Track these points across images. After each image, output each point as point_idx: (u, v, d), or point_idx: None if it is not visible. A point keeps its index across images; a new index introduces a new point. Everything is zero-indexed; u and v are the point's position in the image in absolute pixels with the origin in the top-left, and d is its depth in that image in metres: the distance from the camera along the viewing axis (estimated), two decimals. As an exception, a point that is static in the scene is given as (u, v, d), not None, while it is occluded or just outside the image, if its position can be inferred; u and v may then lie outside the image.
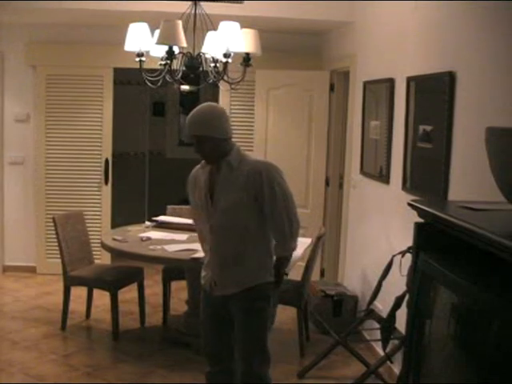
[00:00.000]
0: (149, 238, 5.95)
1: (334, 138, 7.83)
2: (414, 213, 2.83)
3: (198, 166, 4.21)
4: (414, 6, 5.07)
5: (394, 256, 4.65)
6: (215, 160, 4.01)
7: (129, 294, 6.76)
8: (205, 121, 3.93)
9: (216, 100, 8.36)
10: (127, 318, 6.61)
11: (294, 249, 4.14)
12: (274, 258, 4.11)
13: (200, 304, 4.29)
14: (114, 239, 5.92)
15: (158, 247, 5.61)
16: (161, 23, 5.14)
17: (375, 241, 5.98)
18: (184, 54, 5.47)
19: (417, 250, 2.81)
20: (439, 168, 4.51)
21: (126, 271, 6.51)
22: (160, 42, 5.17)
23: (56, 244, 6.40)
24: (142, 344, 6.15)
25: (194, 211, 4.38)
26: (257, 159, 4.12)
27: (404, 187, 5.27)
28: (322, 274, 7.94)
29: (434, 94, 4.70)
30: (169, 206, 7.16)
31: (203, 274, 4.22)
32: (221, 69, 5.53)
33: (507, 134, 2.36)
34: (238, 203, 3.96)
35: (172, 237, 6.03)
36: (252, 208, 3.97)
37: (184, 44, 5.19)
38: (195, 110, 4.01)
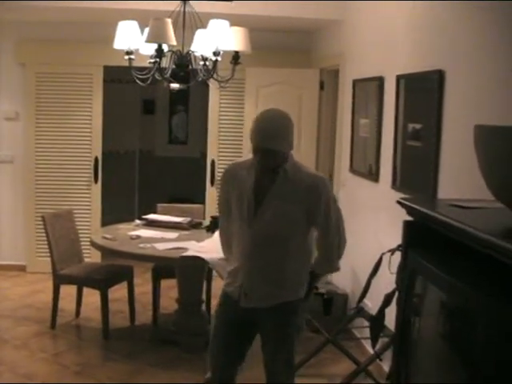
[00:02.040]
0: (138, 237, 5.94)
1: (324, 136, 7.85)
2: (404, 211, 2.84)
3: (238, 162, 4.03)
4: (412, 6, 5.07)
5: (383, 254, 4.66)
6: (275, 169, 3.78)
7: (119, 292, 6.75)
8: (279, 134, 3.65)
9: (206, 98, 8.36)
10: (117, 317, 6.61)
11: (338, 269, 4.05)
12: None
13: (218, 308, 4.05)
14: (104, 237, 5.91)
15: (148, 245, 5.61)
16: (150, 21, 5.13)
17: (365, 239, 5.98)
18: (173, 52, 5.47)
19: (406, 247, 2.82)
20: (428, 166, 4.52)
21: (115, 270, 6.51)
22: (149, 40, 5.16)
23: (46, 242, 6.38)
24: (132, 342, 6.15)
25: (223, 209, 4.07)
26: (312, 172, 3.89)
27: (393, 185, 5.28)
28: (312, 271, 7.93)
29: (424, 93, 4.71)
30: (159, 205, 7.15)
31: (228, 280, 3.96)
32: (210, 67, 5.52)
33: (495, 132, 2.37)
34: (287, 215, 3.76)
35: (162, 235, 6.02)
36: (300, 222, 3.79)
37: (173, 42, 5.18)
38: (266, 119, 3.71)
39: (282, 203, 3.75)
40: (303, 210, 3.76)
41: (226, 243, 4.11)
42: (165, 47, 5.27)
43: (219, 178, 7.95)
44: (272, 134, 3.63)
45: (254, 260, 3.83)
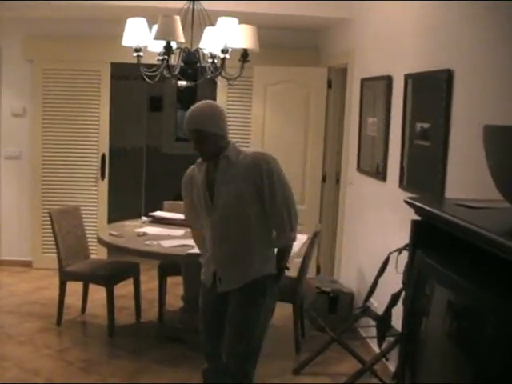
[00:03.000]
0: (145, 234, 5.94)
1: (331, 134, 7.84)
2: (411, 210, 2.83)
3: (193, 167, 4.21)
4: (421, 5, 5.05)
5: (390, 253, 4.65)
6: (213, 156, 4.00)
7: (124, 289, 6.75)
8: (204, 116, 3.92)
9: (213, 96, 8.35)
10: (123, 314, 6.61)
11: (293, 239, 4.13)
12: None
13: (199, 300, 4.26)
14: (111, 234, 5.91)
15: (154, 242, 5.61)
16: (159, 18, 5.13)
17: (371, 238, 5.98)
18: (182, 49, 5.46)
19: (413, 247, 2.81)
20: (436, 166, 4.51)
21: (121, 266, 6.51)
22: (158, 37, 5.16)
23: (52, 238, 6.39)
24: (138, 339, 6.15)
25: (187, 210, 4.33)
26: (254, 151, 4.13)
27: (401, 185, 5.27)
28: (318, 270, 7.94)
29: (432, 92, 4.70)
30: (165, 202, 7.16)
31: (203, 270, 4.21)
32: (218, 64, 5.52)
33: (505, 131, 2.36)
34: (238, 196, 3.94)
35: (168, 232, 6.03)
36: (253, 200, 3.95)
37: (182, 39, 5.17)
38: (194, 106, 4.01)
39: (230, 186, 3.96)
40: (251, 188, 3.94)
41: (196, 240, 4.41)
42: (173, 44, 5.26)
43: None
44: (196, 117, 3.94)
45: (220, 245, 4.05)
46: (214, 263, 4.10)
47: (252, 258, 4.02)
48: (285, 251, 4.15)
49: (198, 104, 4.04)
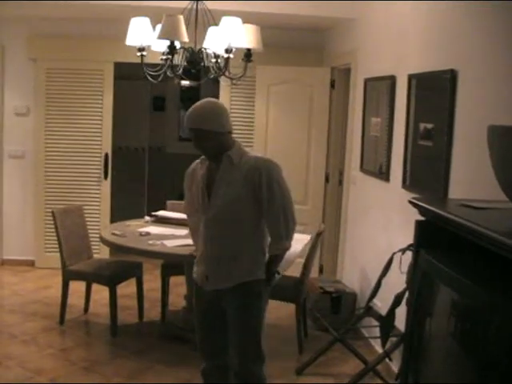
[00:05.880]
0: (148, 233, 5.94)
1: (334, 134, 7.84)
2: (414, 210, 2.83)
3: (198, 161, 4.20)
4: (425, 5, 5.04)
5: (394, 253, 4.64)
6: (215, 155, 3.99)
7: (127, 288, 6.75)
8: (203, 115, 3.90)
9: (217, 95, 8.34)
10: (125, 313, 6.61)
11: (287, 248, 4.11)
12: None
13: (194, 299, 4.27)
14: (113, 234, 5.91)
15: (158, 242, 5.61)
16: (163, 18, 5.13)
17: (375, 238, 5.97)
18: (185, 49, 5.46)
19: (417, 247, 2.80)
20: (440, 166, 4.51)
21: (124, 266, 6.51)
22: (161, 36, 5.16)
23: (55, 238, 6.39)
24: (140, 339, 6.14)
25: (187, 206, 4.35)
26: (257, 156, 4.06)
27: (404, 185, 5.27)
28: (321, 270, 7.94)
29: (436, 92, 4.70)
30: (168, 201, 7.15)
31: (195, 268, 4.20)
32: (222, 64, 5.52)
33: (509, 132, 2.36)
34: (235, 199, 3.94)
35: (171, 232, 6.02)
36: (249, 204, 3.94)
37: (186, 39, 5.17)
38: (194, 104, 4.00)
39: (229, 188, 3.96)
40: (249, 192, 3.93)
41: (194, 239, 4.38)
42: (177, 44, 5.26)
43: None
44: (195, 115, 3.93)
45: (211, 244, 4.06)
46: (203, 261, 4.10)
47: (241, 261, 4.00)
48: (276, 258, 4.11)
49: (197, 103, 4.02)
